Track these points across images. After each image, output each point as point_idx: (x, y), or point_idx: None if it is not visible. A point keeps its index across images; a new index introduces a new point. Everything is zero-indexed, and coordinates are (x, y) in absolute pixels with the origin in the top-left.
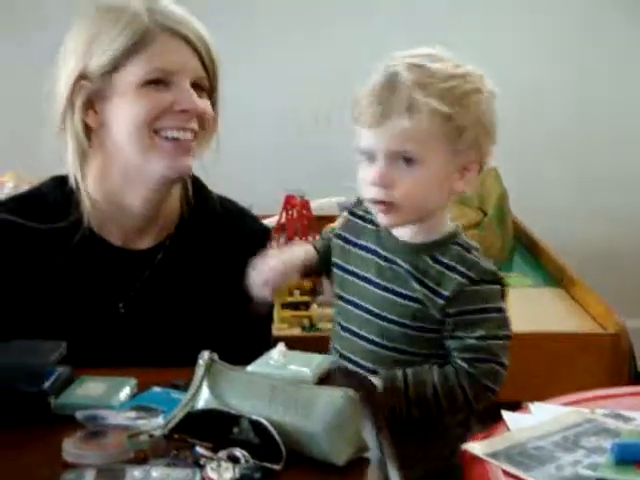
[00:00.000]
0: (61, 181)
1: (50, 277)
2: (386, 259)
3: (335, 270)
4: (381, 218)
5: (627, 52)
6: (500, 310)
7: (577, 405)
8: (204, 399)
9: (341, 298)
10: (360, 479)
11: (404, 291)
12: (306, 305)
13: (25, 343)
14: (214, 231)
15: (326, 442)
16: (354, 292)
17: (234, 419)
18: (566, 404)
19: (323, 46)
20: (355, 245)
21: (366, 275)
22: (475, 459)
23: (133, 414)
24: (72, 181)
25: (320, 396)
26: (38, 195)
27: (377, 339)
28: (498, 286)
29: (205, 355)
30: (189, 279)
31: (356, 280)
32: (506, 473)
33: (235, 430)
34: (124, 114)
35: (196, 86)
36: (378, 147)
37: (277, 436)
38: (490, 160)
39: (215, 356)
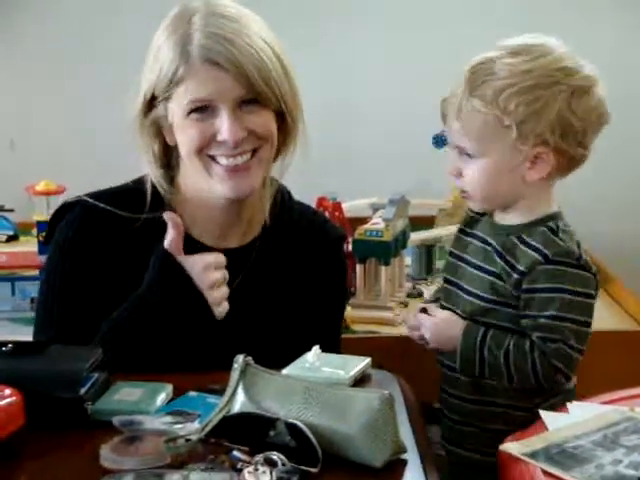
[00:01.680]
0: (148, 178)
1: (141, 270)
2: (484, 241)
3: (447, 257)
4: (468, 202)
5: None
6: (577, 294)
7: (616, 403)
8: (240, 403)
9: (445, 280)
10: None
11: (488, 267)
12: None
13: (62, 349)
14: (297, 236)
15: (363, 444)
16: (453, 273)
17: (270, 422)
18: (605, 402)
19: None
20: (467, 234)
21: (468, 257)
22: (512, 459)
23: (169, 419)
24: (151, 183)
25: (356, 398)
26: (132, 190)
27: (465, 315)
28: (579, 270)
29: (240, 359)
30: (276, 281)
31: (459, 262)
32: (545, 473)
33: (271, 433)
34: (181, 142)
35: (249, 103)
36: (451, 142)
37: (313, 439)
38: (581, 152)
39: (250, 360)
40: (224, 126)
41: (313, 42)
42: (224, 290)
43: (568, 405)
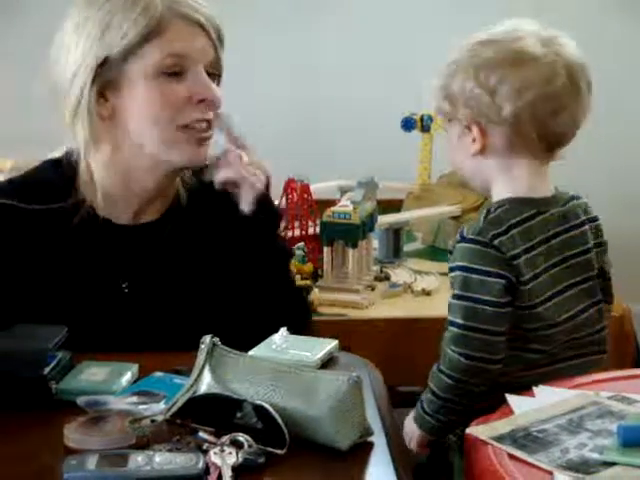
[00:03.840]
0: (57, 164)
1: (51, 259)
2: None
3: None
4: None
5: None
6: (472, 270)
7: (581, 388)
8: (206, 384)
9: None
10: (364, 463)
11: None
12: (307, 290)
13: (26, 328)
14: (213, 206)
15: (330, 426)
16: None
17: (237, 404)
18: (570, 387)
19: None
20: None
21: None
22: (478, 442)
23: (135, 399)
24: (82, 166)
25: (323, 380)
26: (36, 178)
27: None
28: (484, 248)
29: (207, 339)
30: (191, 256)
31: None
32: (511, 456)
33: (238, 415)
34: (140, 106)
35: (210, 70)
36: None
37: (280, 420)
38: (485, 120)
39: (217, 340)
40: (201, 84)
41: (283, 29)
42: None
43: (534, 389)
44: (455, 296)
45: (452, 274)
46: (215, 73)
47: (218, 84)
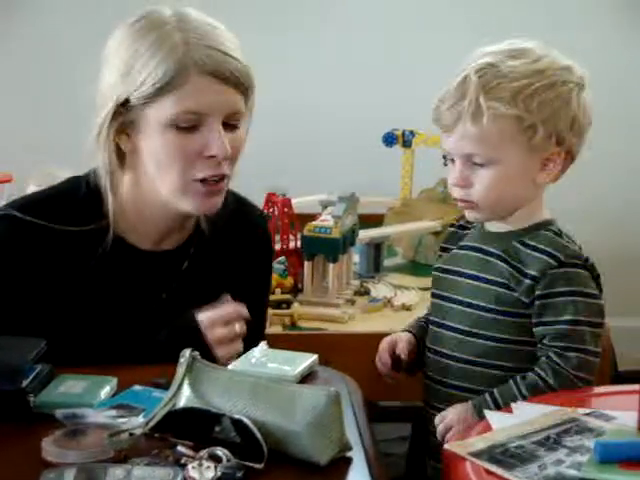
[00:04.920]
0: (82, 182)
1: (80, 280)
2: (480, 250)
3: (434, 273)
4: (467, 214)
5: None
6: (589, 296)
7: (560, 404)
8: (185, 398)
9: (434, 295)
10: (342, 478)
11: (490, 276)
12: (287, 303)
13: (4, 340)
14: (224, 227)
15: (308, 441)
16: (447, 287)
17: (216, 418)
18: (549, 403)
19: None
20: (458, 248)
21: (461, 270)
22: (457, 458)
23: (113, 412)
24: (103, 190)
25: (302, 395)
26: (62, 196)
27: (468, 328)
28: (587, 272)
29: (187, 353)
30: (213, 277)
31: (452, 276)
32: (488, 472)
33: (217, 429)
34: (154, 152)
35: (229, 120)
36: (455, 150)
37: (259, 435)
38: (580, 148)
39: (197, 354)
40: (214, 140)
41: (267, 43)
42: (234, 347)
43: (513, 405)
44: (573, 322)
45: (556, 299)
46: (234, 124)
47: (239, 131)
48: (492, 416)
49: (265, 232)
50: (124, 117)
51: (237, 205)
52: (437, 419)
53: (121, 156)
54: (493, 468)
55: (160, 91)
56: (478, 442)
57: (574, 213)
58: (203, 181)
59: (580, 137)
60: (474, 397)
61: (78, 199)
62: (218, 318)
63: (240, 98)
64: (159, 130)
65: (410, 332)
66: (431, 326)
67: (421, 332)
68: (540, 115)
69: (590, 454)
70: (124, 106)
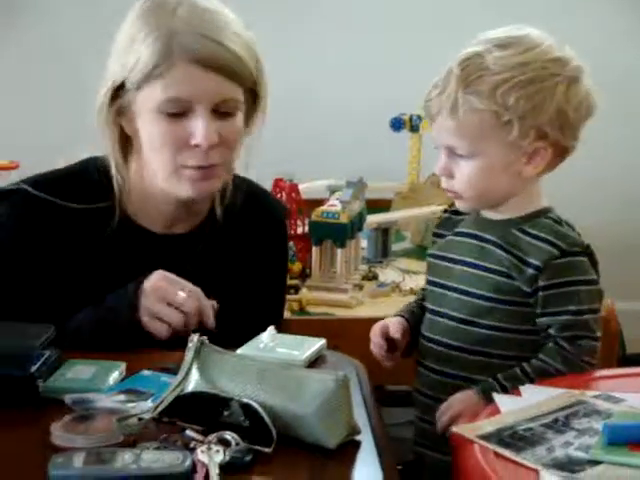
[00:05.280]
0: (96, 163)
1: (85, 258)
2: (477, 237)
3: (428, 259)
4: (456, 203)
5: None
6: (591, 282)
7: (568, 387)
8: (194, 382)
9: (430, 283)
10: (351, 462)
11: (490, 264)
12: (295, 289)
13: (13, 326)
14: (241, 216)
15: (317, 425)
16: (441, 274)
17: (224, 402)
18: (557, 386)
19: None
20: (453, 235)
21: (457, 257)
22: (465, 441)
23: (122, 397)
24: (112, 172)
25: (311, 379)
26: (74, 175)
27: (465, 316)
28: (586, 258)
29: (195, 338)
30: (225, 264)
31: (447, 263)
32: (497, 455)
33: (225, 413)
34: (147, 135)
35: (220, 108)
36: (437, 140)
37: (267, 419)
38: (572, 142)
39: (205, 339)
40: (199, 129)
41: (272, 27)
42: (162, 328)
43: (521, 388)
44: (578, 312)
45: (560, 290)
46: (227, 111)
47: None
48: (500, 399)
49: (281, 222)
50: (122, 100)
51: (252, 193)
52: (441, 409)
53: (126, 139)
54: (502, 451)
55: (148, 77)
56: (486, 425)
57: (580, 197)
58: (192, 168)
59: (569, 131)
60: (468, 385)
61: (90, 179)
62: (165, 296)
63: (233, 86)
64: (150, 115)
65: (401, 316)
66: (427, 313)
67: (412, 316)
68: (518, 110)
69: (598, 436)
70: (121, 89)
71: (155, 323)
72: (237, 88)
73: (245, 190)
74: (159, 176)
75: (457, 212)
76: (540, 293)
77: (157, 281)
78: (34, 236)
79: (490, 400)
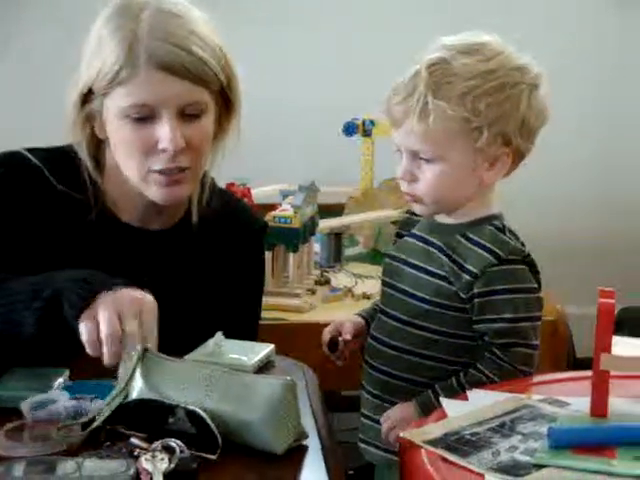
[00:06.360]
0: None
1: (64, 242)
2: (425, 241)
3: (384, 259)
4: (414, 207)
5: None
6: (529, 290)
7: (514, 391)
8: (138, 389)
9: (382, 282)
10: (298, 466)
11: (432, 268)
12: None
13: None
14: (218, 224)
15: (265, 431)
16: (392, 274)
17: (169, 409)
18: (503, 390)
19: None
20: (408, 236)
21: (407, 258)
22: (412, 446)
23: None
24: (85, 165)
25: (258, 384)
26: (68, 158)
27: (407, 318)
28: (525, 266)
29: (138, 346)
30: (195, 268)
31: (397, 263)
32: (444, 460)
33: (171, 420)
34: (116, 140)
35: (186, 111)
36: (401, 144)
37: (213, 425)
38: (529, 148)
39: (149, 346)
40: (165, 134)
41: (227, 27)
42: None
43: (468, 392)
44: (514, 319)
45: (496, 297)
46: (194, 114)
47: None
48: (447, 403)
49: (259, 236)
50: (91, 105)
51: (231, 203)
52: (382, 418)
53: (93, 139)
54: (448, 455)
55: (113, 83)
56: (433, 429)
57: (530, 198)
58: (161, 173)
59: (529, 138)
60: (406, 386)
61: (77, 164)
62: (124, 311)
63: (198, 89)
64: (116, 121)
65: (360, 316)
66: (378, 313)
67: (372, 316)
68: (487, 117)
69: (543, 440)
70: (90, 94)
71: (89, 323)
72: (203, 90)
73: (224, 199)
74: (131, 178)
75: (415, 213)
76: (475, 300)
77: (128, 295)
78: (17, 202)
79: (427, 412)
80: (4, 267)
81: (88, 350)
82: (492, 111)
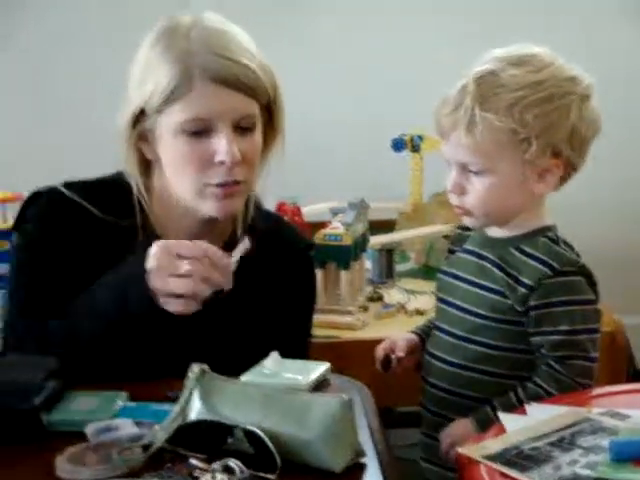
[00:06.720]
0: (127, 177)
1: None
2: (479, 256)
3: (438, 275)
4: (465, 220)
5: None
6: (586, 302)
7: (573, 404)
8: (196, 410)
9: (437, 298)
10: None
11: (487, 283)
12: None
13: (17, 358)
14: (266, 245)
15: (323, 449)
16: (445, 290)
17: (228, 429)
18: (562, 404)
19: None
20: (460, 251)
21: (459, 274)
22: (471, 462)
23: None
24: (135, 190)
25: (315, 403)
26: (107, 185)
27: (462, 334)
28: (582, 278)
29: (195, 368)
30: (244, 290)
31: (451, 279)
32: (504, 475)
33: (229, 440)
34: (170, 157)
35: (240, 124)
36: (450, 157)
37: (271, 445)
38: (582, 160)
39: (206, 367)
40: (222, 147)
41: (273, 41)
42: (188, 304)
43: (526, 406)
44: (571, 332)
45: (552, 309)
46: (247, 127)
47: (252, 134)
48: (505, 418)
49: (307, 256)
50: (143, 125)
51: (277, 224)
52: (441, 436)
53: (147, 162)
54: (508, 471)
55: (168, 100)
56: (492, 445)
57: (589, 209)
58: (217, 186)
59: (580, 149)
60: (464, 402)
61: (121, 192)
62: (171, 267)
63: (251, 102)
64: (172, 137)
65: (414, 333)
66: (433, 329)
67: (428, 332)
68: (535, 128)
69: (605, 453)
70: (141, 115)
71: (171, 301)
72: (254, 103)
73: (270, 219)
74: (183, 196)
75: (467, 228)
76: (532, 313)
77: (158, 260)
78: (61, 237)
79: (485, 428)
80: (64, 301)
81: (200, 289)
82: (540, 122)
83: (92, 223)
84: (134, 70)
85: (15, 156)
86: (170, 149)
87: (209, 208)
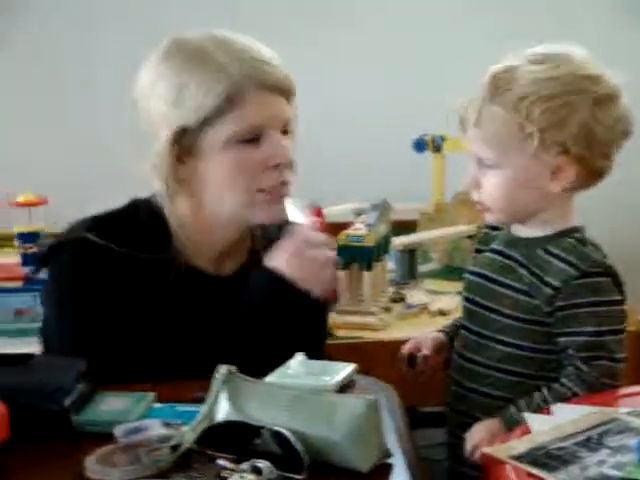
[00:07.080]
0: (143, 206)
1: (150, 304)
2: (505, 255)
3: (464, 275)
4: (485, 216)
5: None
6: (612, 303)
7: (600, 404)
8: (224, 411)
9: (463, 298)
10: None
11: (512, 282)
12: None
13: (46, 360)
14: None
15: (349, 450)
16: (473, 290)
17: (255, 430)
18: (589, 404)
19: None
20: (487, 251)
21: (486, 273)
22: (497, 462)
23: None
24: (166, 213)
25: (341, 404)
26: (125, 219)
27: (489, 333)
28: (609, 279)
29: (222, 369)
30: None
31: (477, 279)
32: (530, 475)
33: (256, 441)
34: (217, 173)
35: (284, 127)
36: (470, 152)
37: (299, 446)
38: (602, 162)
39: (233, 369)
40: (276, 150)
41: (292, 44)
42: (325, 274)
43: (552, 407)
44: (597, 333)
45: (579, 310)
46: (289, 130)
47: (292, 137)
48: (531, 418)
49: None
50: (180, 145)
51: (283, 232)
52: (467, 435)
53: (178, 182)
54: (535, 470)
55: (219, 112)
56: (518, 445)
57: (615, 208)
58: (269, 191)
59: (598, 150)
60: (490, 402)
61: (141, 223)
62: (297, 257)
63: (290, 105)
64: (221, 149)
65: (442, 332)
66: (459, 328)
67: (455, 332)
68: (542, 123)
69: (632, 454)
70: (179, 135)
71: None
72: (292, 107)
73: (282, 229)
74: (229, 208)
75: (494, 227)
76: (558, 313)
77: (295, 259)
78: (95, 284)
79: (510, 429)
80: (104, 347)
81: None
82: (546, 117)
83: (123, 263)
84: (159, 92)
85: (15, 156)
86: (219, 162)
87: (259, 215)
